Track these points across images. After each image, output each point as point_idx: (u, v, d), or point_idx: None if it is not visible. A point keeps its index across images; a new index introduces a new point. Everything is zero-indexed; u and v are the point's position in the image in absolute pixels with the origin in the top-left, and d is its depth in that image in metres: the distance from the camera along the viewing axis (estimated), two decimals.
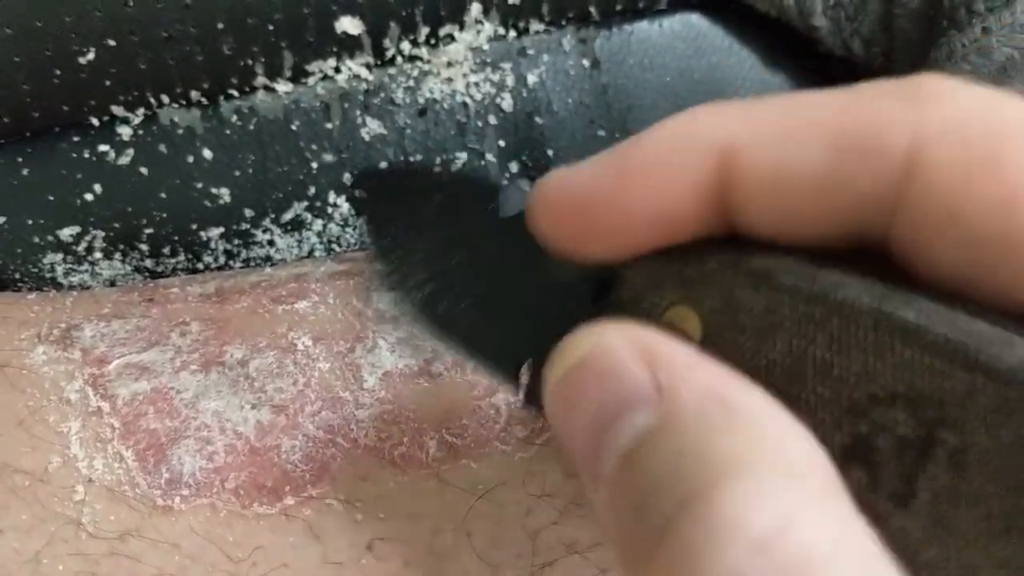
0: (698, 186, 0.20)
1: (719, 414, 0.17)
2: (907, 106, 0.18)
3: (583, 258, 0.22)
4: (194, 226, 0.38)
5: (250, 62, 0.37)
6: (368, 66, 0.39)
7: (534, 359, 0.25)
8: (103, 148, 0.37)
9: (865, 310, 0.18)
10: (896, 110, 0.18)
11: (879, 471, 0.18)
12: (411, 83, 0.39)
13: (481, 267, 0.26)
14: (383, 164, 0.39)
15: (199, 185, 0.38)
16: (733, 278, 0.20)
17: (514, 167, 0.40)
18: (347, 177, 0.39)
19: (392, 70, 0.39)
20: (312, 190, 0.39)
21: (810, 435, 0.17)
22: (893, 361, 0.17)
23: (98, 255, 0.38)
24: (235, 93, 0.38)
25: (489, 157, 0.40)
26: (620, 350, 0.19)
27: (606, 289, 0.23)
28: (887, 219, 0.19)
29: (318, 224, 0.39)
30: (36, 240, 0.37)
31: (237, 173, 0.38)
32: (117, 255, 0.38)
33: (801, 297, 0.19)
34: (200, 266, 0.39)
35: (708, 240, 0.21)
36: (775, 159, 0.19)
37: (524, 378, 0.25)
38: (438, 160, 0.39)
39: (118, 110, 0.37)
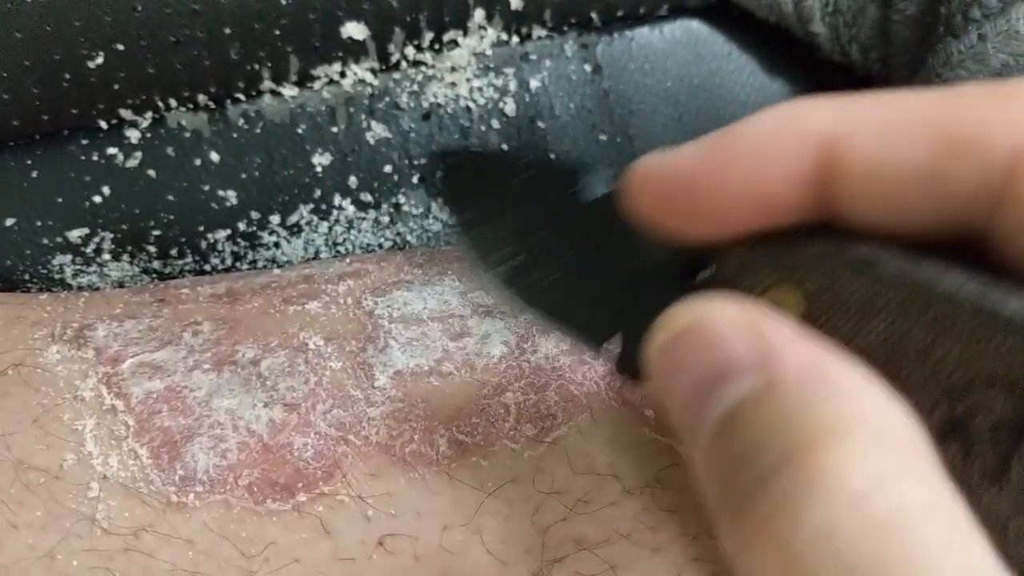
0: (799, 174, 0.20)
1: (821, 383, 0.18)
2: (1011, 107, 0.19)
3: (678, 239, 0.23)
4: (201, 228, 0.39)
5: (257, 66, 0.38)
6: (373, 71, 0.39)
7: (624, 330, 0.26)
8: (111, 151, 0.38)
9: (967, 300, 0.18)
10: (1000, 111, 0.19)
11: (974, 448, 0.18)
12: (415, 88, 0.40)
13: (567, 244, 0.27)
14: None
15: (206, 188, 0.38)
16: (835, 264, 0.21)
17: None
18: (352, 180, 0.39)
19: (397, 75, 0.40)
20: (318, 193, 0.39)
21: (907, 408, 0.18)
22: (993, 348, 0.18)
23: (106, 256, 0.38)
24: (242, 97, 0.39)
25: None
26: (726, 320, 0.20)
27: (693, 270, 0.24)
28: (986, 217, 0.19)
29: (323, 226, 0.40)
30: (45, 241, 0.38)
31: (244, 176, 0.39)
32: (125, 257, 0.38)
33: (903, 285, 0.19)
34: (207, 268, 0.39)
35: (804, 227, 0.21)
36: (879, 153, 0.20)
37: (613, 347, 0.26)
38: None
39: (126, 113, 0.37)
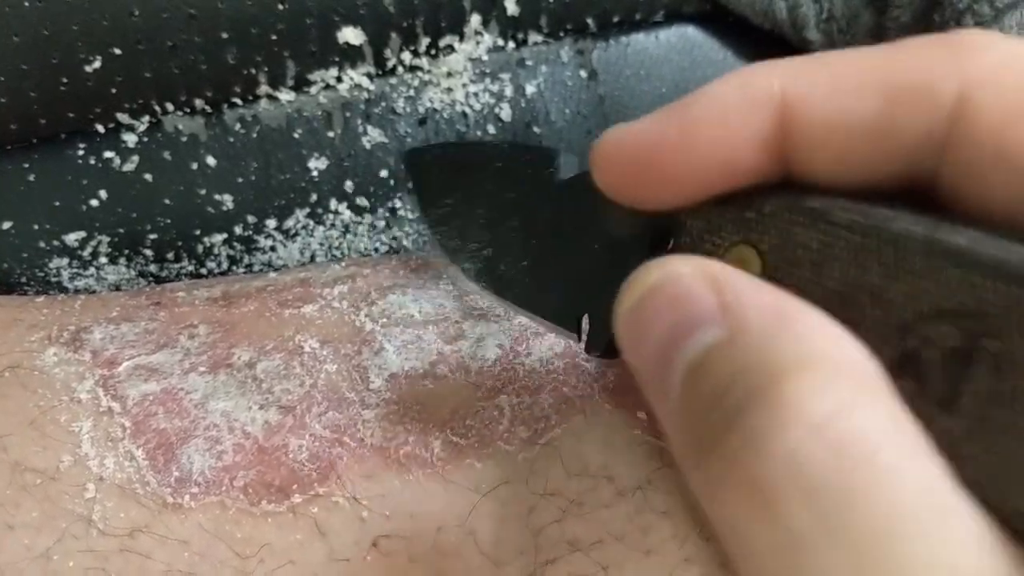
0: (758, 135, 0.21)
1: (780, 326, 0.19)
2: (953, 54, 0.20)
3: (645, 207, 0.23)
4: (198, 232, 0.39)
5: (253, 71, 0.38)
6: (369, 76, 0.39)
7: (593, 311, 0.27)
8: (109, 155, 0.38)
9: (917, 237, 0.19)
10: (943, 58, 0.20)
11: (926, 379, 0.19)
12: (411, 93, 0.40)
13: (538, 230, 0.28)
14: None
15: (203, 192, 0.39)
16: (791, 218, 0.22)
17: None
18: (348, 184, 0.40)
19: (393, 80, 0.40)
20: (314, 197, 0.39)
21: (863, 346, 0.19)
22: (942, 281, 0.19)
23: (103, 260, 0.38)
24: (238, 101, 0.39)
25: None
26: (688, 276, 0.21)
27: (662, 242, 0.25)
28: (936, 160, 0.20)
29: (319, 231, 0.40)
30: (42, 245, 0.38)
31: (240, 180, 0.39)
32: (122, 260, 0.38)
33: (856, 231, 0.20)
34: (203, 271, 0.39)
35: (764, 186, 0.22)
36: (832, 109, 0.21)
37: (584, 328, 0.27)
38: None
39: (123, 117, 0.38)
